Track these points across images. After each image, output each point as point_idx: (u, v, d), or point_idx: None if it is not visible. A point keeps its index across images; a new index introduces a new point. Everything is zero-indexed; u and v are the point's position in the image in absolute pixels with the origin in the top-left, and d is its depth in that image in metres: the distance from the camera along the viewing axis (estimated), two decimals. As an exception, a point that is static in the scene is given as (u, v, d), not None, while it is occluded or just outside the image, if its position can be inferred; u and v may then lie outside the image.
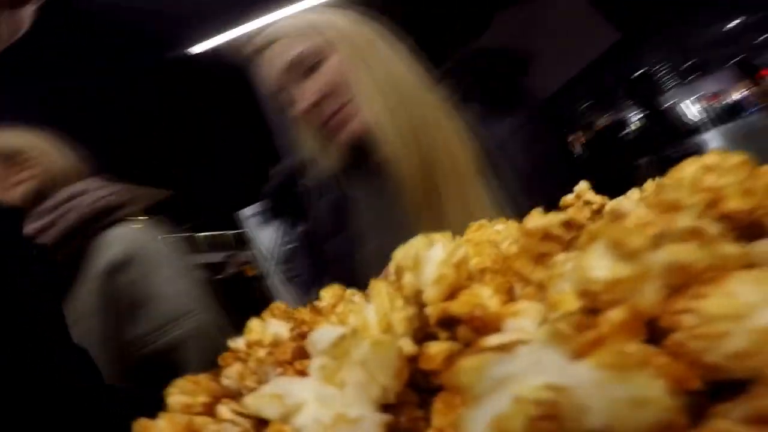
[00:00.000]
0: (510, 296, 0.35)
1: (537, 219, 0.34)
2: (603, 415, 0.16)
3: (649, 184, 0.41)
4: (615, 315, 0.20)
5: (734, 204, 0.27)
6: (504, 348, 0.19)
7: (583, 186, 0.63)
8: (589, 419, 0.16)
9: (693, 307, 0.20)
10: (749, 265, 0.23)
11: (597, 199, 0.58)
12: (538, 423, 0.15)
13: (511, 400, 0.16)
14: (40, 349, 0.41)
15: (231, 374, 0.35)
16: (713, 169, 0.31)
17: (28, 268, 0.47)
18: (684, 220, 0.22)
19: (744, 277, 0.20)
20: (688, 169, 0.32)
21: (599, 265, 0.21)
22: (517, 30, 4.48)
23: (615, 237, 0.21)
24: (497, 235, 0.48)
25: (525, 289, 0.33)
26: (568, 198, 0.60)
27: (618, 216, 0.26)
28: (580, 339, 0.19)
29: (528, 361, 0.18)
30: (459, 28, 4.58)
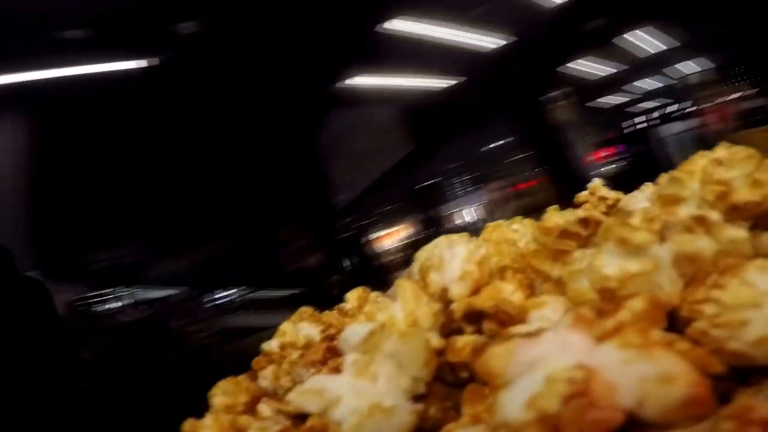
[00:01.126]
0: (531, 291, 0.35)
1: (554, 217, 0.35)
2: (632, 392, 0.17)
3: (663, 178, 0.41)
4: (635, 304, 0.20)
5: (744, 195, 0.27)
6: (531, 335, 0.19)
7: (596, 182, 0.63)
8: (620, 397, 0.17)
9: (713, 297, 0.20)
10: (760, 253, 0.23)
11: (611, 194, 0.58)
12: (572, 400, 0.15)
13: (543, 381, 0.16)
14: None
15: (266, 375, 0.36)
16: (723, 162, 0.31)
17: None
18: (686, 211, 0.22)
19: (760, 266, 0.20)
20: (699, 162, 0.32)
21: (610, 262, 0.21)
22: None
23: (620, 234, 0.21)
24: (514, 234, 0.48)
25: (545, 285, 0.34)
26: (583, 195, 0.60)
27: (625, 213, 0.26)
28: (604, 323, 0.19)
29: (555, 345, 0.18)
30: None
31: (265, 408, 0.31)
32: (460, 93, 5.35)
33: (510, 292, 0.30)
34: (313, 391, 0.23)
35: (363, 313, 0.32)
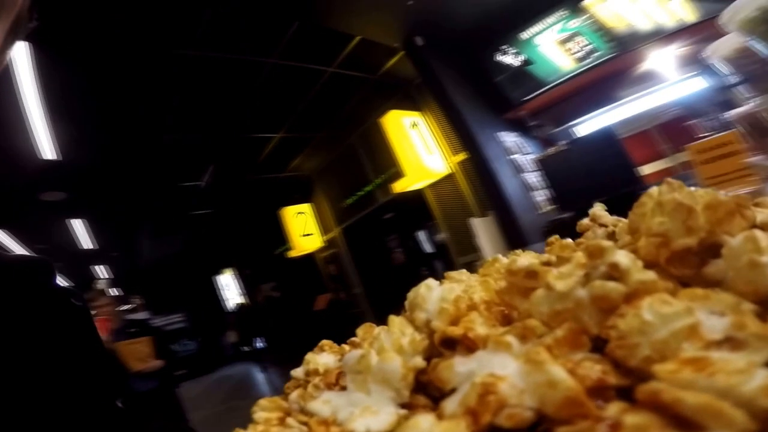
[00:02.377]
0: (507, 321, 0.42)
1: (521, 260, 0.42)
2: (534, 395, 0.24)
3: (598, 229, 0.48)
4: (558, 332, 0.28)
5: (681, 243, 0.33)
6: (466, 353, 0.26)
7: (598, 208, 0.69)
8: (527, 398, 0.24)
9: (616, 324, 0.27)
10: (709, 282, 0.30)
11: (611, 220, 0.63)
12: (485, 397, 0.22)
13: (469, 385, 0.23)
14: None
15: (294, 397, 0.44)
16: (662, 207, 0.37)
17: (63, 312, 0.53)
18: (605, 261, 0.29)
19: (649, 302, 0.27)
20: (648, 204, 0.39)
21: (543, 302, 0.29)
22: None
23: (548, 281, 0.29)
24: (500, 270, 0.55)
25: (519, 316, 0.41)
26: (584, 222, 0.65)
27: (563, 258, 0.33)
28: (522, 347, 0.27)
29: (484, 361, 0.25)
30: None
31: (291, 421, 0.39)
32: None
33: (480, 323, 0.37)
34: (325, 401, 0.31)
35: (366, 343, 0.40)
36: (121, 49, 3.15)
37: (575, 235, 0.63)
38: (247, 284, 10.81)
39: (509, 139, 4.61)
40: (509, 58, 4.52)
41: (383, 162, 5.80)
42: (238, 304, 10.61)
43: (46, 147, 4.02)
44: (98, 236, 7.42)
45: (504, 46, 4.50)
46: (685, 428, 0.19)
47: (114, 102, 3.84)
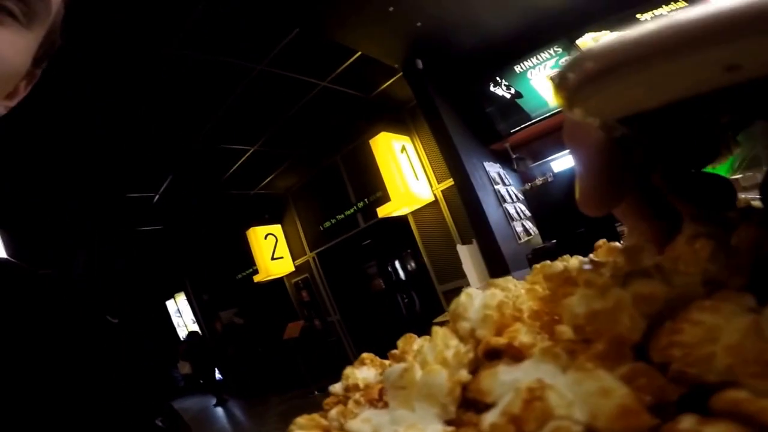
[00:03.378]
0: (551, 331, 0.40)
1: (558, 265, 0.40)
2: (584, 407, 0.22)
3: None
4: (597, 346, 0.25)
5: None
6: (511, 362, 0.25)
7: (602, 241, 0.65)
8: (576, 411, 0.22)
9: (675, 341, 0.25)
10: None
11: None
12: (531, 403, 0.21)
13: (513, 392, 0.22)
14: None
15: (334, 415, 0.43)
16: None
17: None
18: (647, 261, 0.27)
19: (699, 306, 0.24)
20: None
21: (580, 303, 0.27)
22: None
23: (587, 278, 0.27)
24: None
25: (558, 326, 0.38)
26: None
27: (599, 262, 0.31)
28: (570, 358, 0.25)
29: (529, 371, 0.24)
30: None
31: (331, 440, 0.38)
32: None
33: (524, 332, 0.35)
34: (365, 419, 0.30)
35: (406, 356, 0.39)
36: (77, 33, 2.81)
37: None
38: (204, 310, 10.22)
39: (494, 169, 4.76)
40: (501, 90, 4.67)
41: (367, 185, 5.85)
42: (191, 332, 10.11)
43: None
44: (21, 251, 5.92)
45: (498, 78, 4.60)
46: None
47: (45, 81, 3.41)
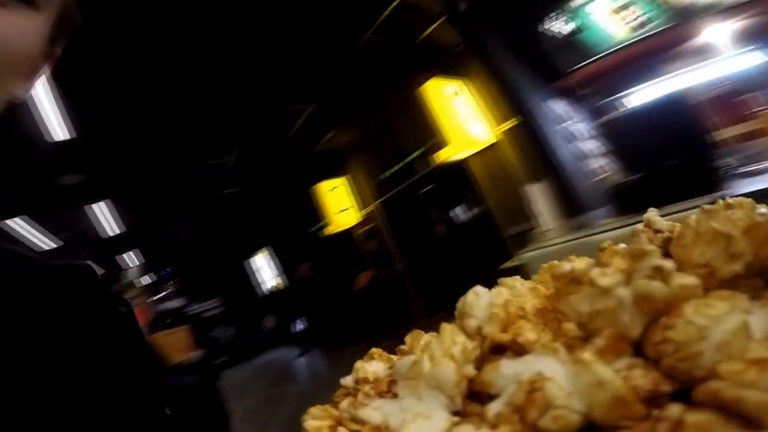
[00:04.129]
0: (558, 327, 0.41)
1: (564, 264, 0.41)
2: (582, 397, 0.23)
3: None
4: (598, 341, 0.27)
5: (726, 271, 0.31)
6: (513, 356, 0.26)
7: (652, 213, 0.66)
8: (574, 401, 0.23)
9: (667, 337, 0.26)
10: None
11: (666, 226, 0.60)
12: (532, 394, 0.22)
13: (516, 384, 0.23)
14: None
15: (345, 406, 0.44)
16: (701, 237, 0.35)
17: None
18: (649, 263, 0.28)
19: (694, 306, 0.26)
20: (688, 235, 0.37)
21: (584, 301, 0.28)
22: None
23: (591, 277, 0.28)
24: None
25: (565, 323, 0.40)
26: (639, 227, 0.63)
27: (605, 262, 0.32)
28: (570, 353, 0.26)
29: (531, 364, 0.25)
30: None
31: (343, 430, 0.40)
32: None
33: (528, 329, 0.36)
34: (375, 408, 0.32)
35: (414, 351, 0.40)
36: (130, 13, 2.87)
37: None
38: (283, 265, 10.45)
39: (559, 107, 4.40)
40: (558, 26, 4.26)
41: (423, 133, 5.55)
42: (273, 286, 10.41)
43: (57, 127, 3.63)
44: (123, 221, 6.97)
45: (553, 14, 4.25)
46: (746, 427, 0.18)
47: (130, 71, 3.47)
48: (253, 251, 11.84)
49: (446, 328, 0.39)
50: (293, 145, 6.32)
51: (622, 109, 4.08)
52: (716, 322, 0.25)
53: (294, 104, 5.16)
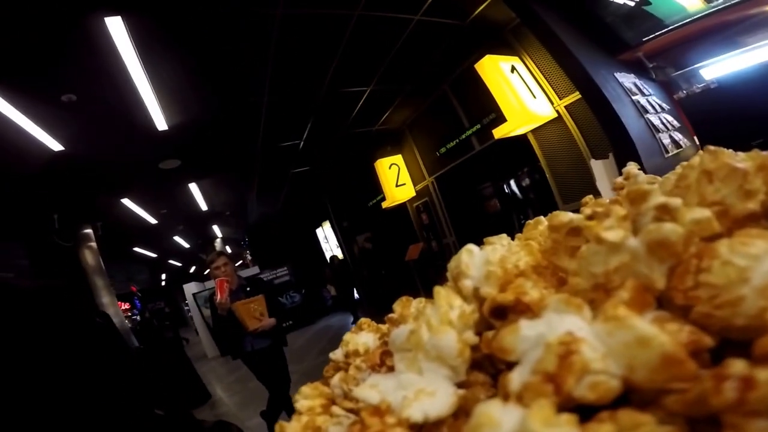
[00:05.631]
0: (558, 284, 0.38)
1: (561, 215, 0.37)
2: (621, 359, 0.19)
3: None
4: (623, 294, 0.23)
5: (743, 208, 0.28)
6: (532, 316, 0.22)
7: (631, 166, 0.63)
8: (611, 364, 0.20)
9: (702, 281, 0.22)
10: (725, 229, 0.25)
11: (646, 179, 0.58)
12: (567, 359, 0.18)
13: (543, 348, 0.19)
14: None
15: (336, 382, 0.40)
16: (712, 174, 0.32)
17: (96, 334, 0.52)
18: (652, 202, 0.25)
19: (728, 245, 0.22)
20: (692, 174, 0.34)
21: (595, 260, 0.24)
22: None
23: (597, 234, 0.24)
24: (543, 233, 0.51)
25: (571, 278, 0.36)
26: (618, 181, 0.61)
27: (602, 213, 0.28)
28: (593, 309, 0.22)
29: (553, 324, 0.21)
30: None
31: (337, 409, 0.36)
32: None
33: (530, 287, 0.33)
34: (372, 385, 0.27)
35: (406, 318, 0.36)
36: (210, 13, 3.14)
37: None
38: (345, 236, 11.01)
39: (628, 80, 4.25)
40: None
41: (479, 109, 5.58)
42: (332, 256, 10.82)
43: (160, 119, 4.21)
44: (212, 198, 8.04)
45: None
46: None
47: (212, 71, 3.90)
48: (318, 223, 12.65)
49: (440, 291, 0.35)
50: (355, 125, 6.66)
51: (699, 83, 3.90)
52: (757, 262, 0.21)
53: (353, 86, 5.40)
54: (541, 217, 0.56)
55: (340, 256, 10.87)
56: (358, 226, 10.00)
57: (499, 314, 0.32)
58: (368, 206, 9.25)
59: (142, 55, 3.20)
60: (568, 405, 0.19)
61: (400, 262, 8.07)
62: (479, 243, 0.41)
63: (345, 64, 4.75)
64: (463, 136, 6.44)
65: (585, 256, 0.27)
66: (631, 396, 0.20)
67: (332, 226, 11.73)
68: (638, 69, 4.37)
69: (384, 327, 0.45)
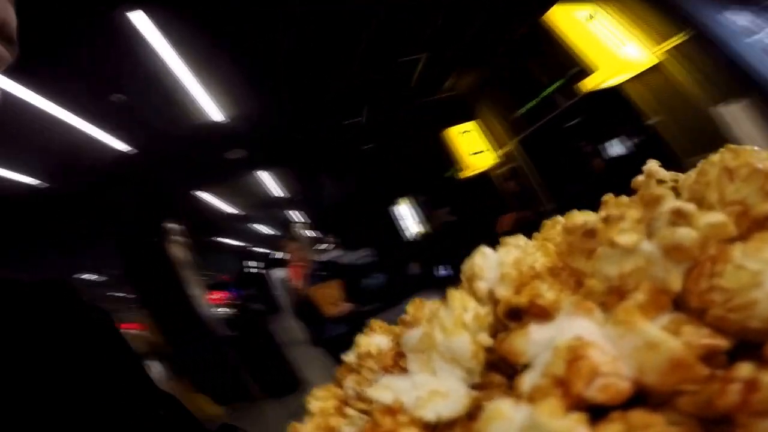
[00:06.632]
0: (575, 287, 0.38)
1: (576, 217, 0.37)
2: (631, 362, 0.20)
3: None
4: (638, 296, 0.23)
5: (763, 209, 0.28)
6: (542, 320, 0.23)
7: (652, 164, 0.62)
8: (621, 366, 0.20)
9: (716, 285, 0.22)
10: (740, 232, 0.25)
11: (668, 176, 0.57)
12: (575, 363, 0.19)
13: (552, 352, 0.20)
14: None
15: (349, 383, 0.41)
16: (733, 173, 0.32)
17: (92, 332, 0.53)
18: (666, 206, 0.25)
19: (742, 249, 0.22)
20: (712, 172, 0.33)
21: (609, 263, 0.25)
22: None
23: (610, 238, 0.24)
24: (561, 232, 0.50)
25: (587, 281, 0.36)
26: (638, 179, 0.60)
27: (616, 216, 0.29)
28: (606, 312, 0.23)
29: (563, 328, 0.22)
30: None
31: (350, 410, 0.37)
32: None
33: (545, 289, 0.33)
34: (385, 386, 0.28)
35: (419, 320, 0.37)
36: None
37: None
38: (424, 211, 10.84)
39: (742, 18, 3.80)
40: None
41: (558, 63, 5.12)
42: (415, 232, 10.72)
43: (213, 109, 4.31)
44: (285, 184, 8.32)
45: None
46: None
47: (266, 57, 3.92)
48: (395, 201, 12.37)
49: (454, 294, 0.35)
50: (415, 96, 6.34)
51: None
52: (770, 266, 0.21)
53: (406, 56, 5.10)
54: (559, 216, 0.56)
55: (423, 232, 10.68)
56: (437, 199, 9.53)
57: (514, 316, 0.33)
58: (444, 178, 8.78)
59: (179, 48, 3.26)
60: (580, 406, 0.19)
61: (489, 234, 7.80)
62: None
63: (396, 31, 4.46)
64: (545, 93, 5.79)
65: (599, 259, 0.27)
66: (647, 397, 0.20)
67: (411, 203, 11.61)
68: (752, 6, 3.81)
69: (396, 328, 0.45)
